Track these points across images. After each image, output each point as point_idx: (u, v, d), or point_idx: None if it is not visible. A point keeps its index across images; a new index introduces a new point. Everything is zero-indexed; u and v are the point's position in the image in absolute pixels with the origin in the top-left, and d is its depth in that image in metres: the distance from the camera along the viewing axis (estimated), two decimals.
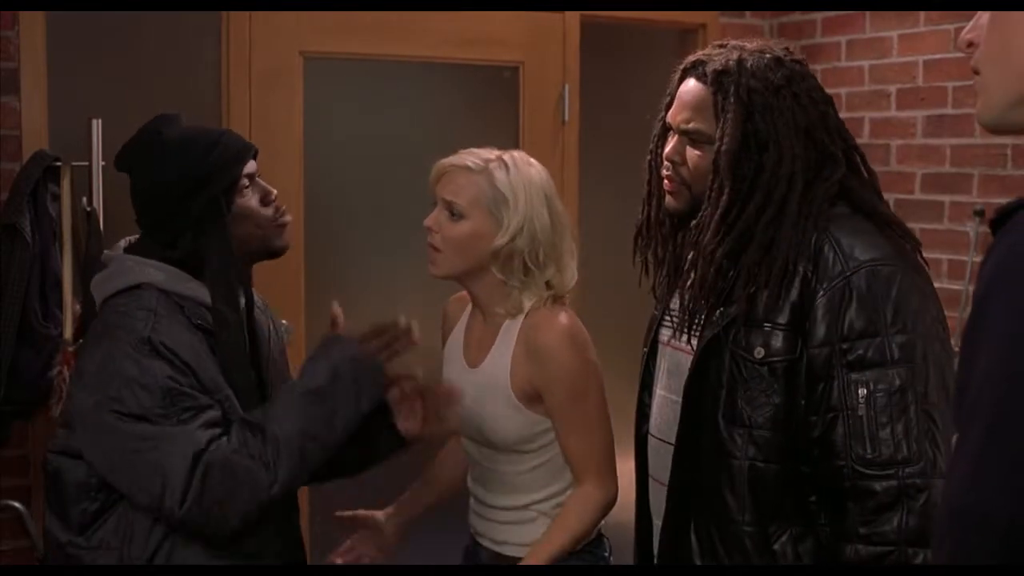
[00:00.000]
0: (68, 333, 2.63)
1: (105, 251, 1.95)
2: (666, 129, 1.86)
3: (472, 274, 2.05)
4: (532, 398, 2.01)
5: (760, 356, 1.70)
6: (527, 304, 2.02)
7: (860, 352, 1.64)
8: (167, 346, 1.76)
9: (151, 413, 1.73)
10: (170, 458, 1.71)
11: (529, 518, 2.07)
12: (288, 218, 1.95)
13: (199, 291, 1.87)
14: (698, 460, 1.77)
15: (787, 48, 1.81)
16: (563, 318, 2.02)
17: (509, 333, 2.04)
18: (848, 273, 1.66)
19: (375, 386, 1.84)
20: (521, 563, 2.01)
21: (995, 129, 1.01)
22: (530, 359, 2.00)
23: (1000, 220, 0.90)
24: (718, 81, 1.74)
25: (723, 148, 1.72)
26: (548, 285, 2.03)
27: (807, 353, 1.67)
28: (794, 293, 1.69)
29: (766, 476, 1.71)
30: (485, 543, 2.12)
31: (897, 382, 1.62)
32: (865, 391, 1.63)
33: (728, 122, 1.72)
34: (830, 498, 1.68)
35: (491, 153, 2.05)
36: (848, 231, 1.70)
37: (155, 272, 1.84)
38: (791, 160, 1.71)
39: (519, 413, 2.02)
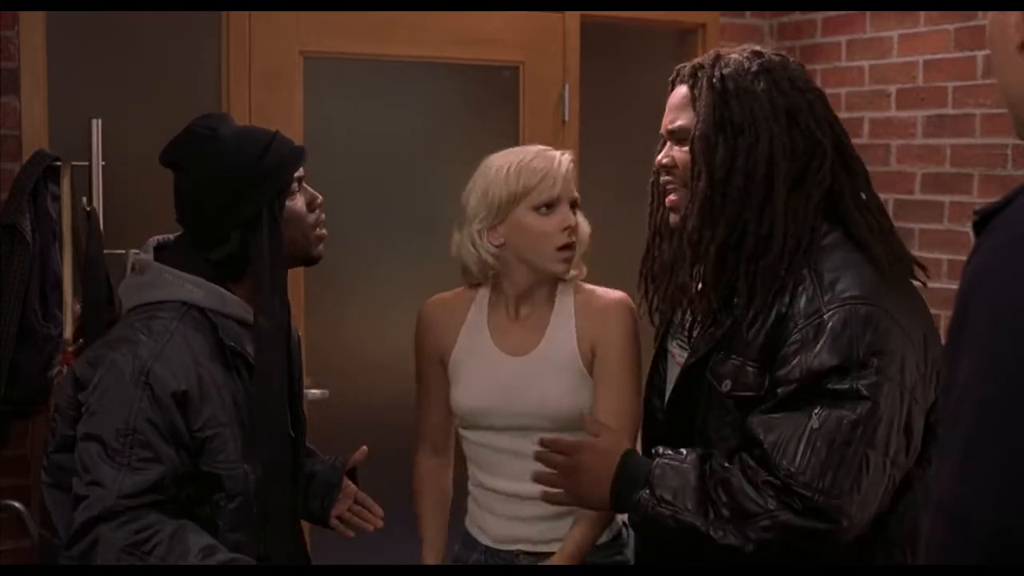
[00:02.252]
0: (68, 333, 2.63)
1: (137, 255, 1.94)
2: (664, 142, 1.87)
3: None
4: (592, 364, 2.09)
5: (726, 389, 1.71)
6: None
7: (828, 387, 1.62)
8: (161, 381, 1.75)
9: (109, 444, 1.73)
10: (85, 509, 1.72)
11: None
12: (325, 231, 1.99)
13: (238, 308, 1.87)
14: None
15: (778, 52, 1.81)
16: (622, 293, 2.15)
17: (564, 308, 2.12)
18: (823, 312, 1.63)
19: None
20: (557, 552, 2.06)
21: None
22: (594, 320, 2.10)
23: (983, 221, 0.90)
24: (693, 75, 1.77)
25: (696, 134, 1.73)
26: None
27: (776, 390, 1.65)
28: (769, 328, 1.68)
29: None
30: (521, 547, 2.13)
31: (852, 416, 1.60)
32: (819, 412, 1.61)
33: (701, 108, 1.73)
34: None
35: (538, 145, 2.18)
36: (832, 264, 1.68)
37: (194, 289, 1.84)
38: (768, 141, 1.70)
39: (588, 384, 2.08)
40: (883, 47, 3.49)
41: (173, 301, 1.83)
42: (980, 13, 3.18)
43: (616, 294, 2.14)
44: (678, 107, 1.80)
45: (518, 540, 2.13)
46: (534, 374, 2.09)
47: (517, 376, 2.09)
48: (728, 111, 1.71)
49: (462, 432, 2.19)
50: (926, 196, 3.37)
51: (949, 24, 3.27)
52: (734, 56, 1.76)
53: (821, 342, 1.62)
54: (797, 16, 3.76)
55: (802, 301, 1.65)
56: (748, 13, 3.76)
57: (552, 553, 2.08)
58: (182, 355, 1.79)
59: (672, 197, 1.83)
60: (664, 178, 1.83)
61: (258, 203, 1.83)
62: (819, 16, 3.69)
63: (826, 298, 1.64)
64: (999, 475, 0.83)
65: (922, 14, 3.36)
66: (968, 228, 3.23)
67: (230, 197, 1.82)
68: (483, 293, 2.18)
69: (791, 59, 1.80)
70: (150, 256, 1.90)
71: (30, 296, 2.63)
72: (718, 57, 1.76)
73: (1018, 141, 3.10)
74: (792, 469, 1.60)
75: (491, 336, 2.14)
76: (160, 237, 1.96)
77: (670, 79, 1.85)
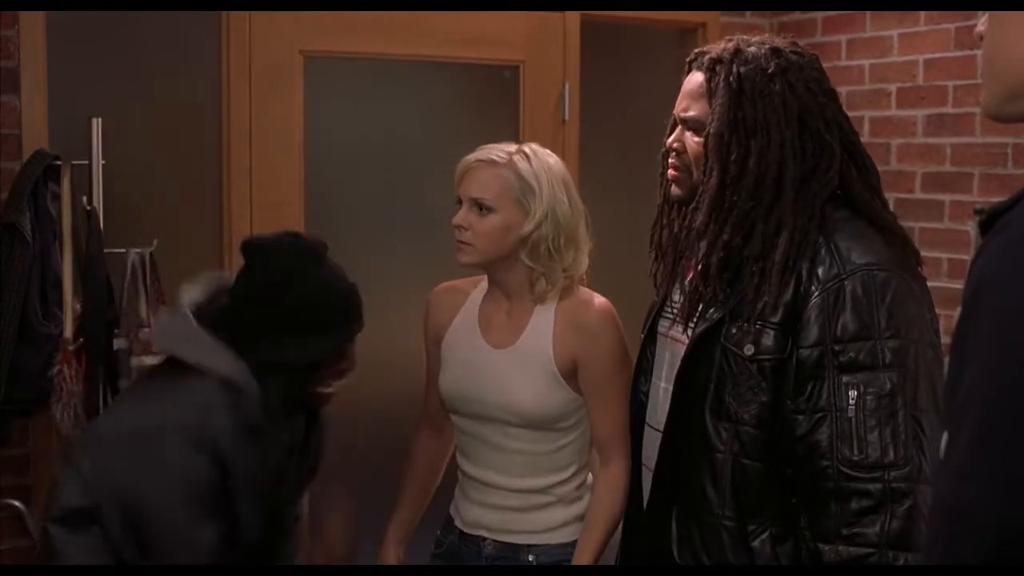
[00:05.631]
0: (68, 332, 2.63)
1: (176, 308, 1.93)
2: (675, 122, 1.88)
3: (500, 263, 2.11)
4: (572, 374, 2.09)
5: (749, 353, 1.70)
6: (551, 289, 2.10)
7: (852, 355, 1.63)
8: (210, 443, 1.78)
9: (181, 510, 1.77)
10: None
11: (543, 503, 2.12)
12: (334, 390, 2.02)
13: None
14: (683, 449, 1.79)
15: (794, 42, 1.81)
16: (602, 299, 2.13)
17: (544, 314, 2.11)
18: (843, 276, 1.66)
19: None
20: (574, 560, 2.07)
21: (996, 119, 1.02)
22: (577, 335, 2.08)
23: (990, 221, 0.90)
24: (712, 68, 1.78)
25: (711, 132, 1.75)
26: (564, 270, 2.09)
27: (797, 353, 1.67)
28: (788, 293, 1.69)
29: (749, 473, 1.71)
30: (484, 533, 2.14)
31: (888, 386, 1.62)
32: (855, 393, 1.62)
33: (717, 107, 1.74)
34: (812, 499, 1.67)
35: (511, 146, 2.11)
36: (847, 235, 1.70)
37: (226, 365, 1.84)
38: (780, 145, 1.72)
39: (561, 389, 2.08)
40: (883, 46, 3.49)
41: (213, 372, 1.83)
42: (980, 13, 3.18)
43: (597, 307, 2.11)
44: (692, 95, 1.81)
45: (480, 526, 2.16)
46: (506, 369, 2.11)
47: (492, 368, 2.11)
48: (742, 112, 1.73)
49: (451, 415, 2.22)
50: (926, 195, 3.37)
51: (949, 23, 3.27)
52: (752, 51, 1.76)
53: (841, 307, 1.64)
54: (797, 15, 3.76)
55: (820, 269, 1.67)
56: (748, 12, 3.77)
57: (514, 544, 2.12)
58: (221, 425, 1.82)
59: (673, 172, 1.85)
60: (671, 161, 1.86)
61: (304, 358, 1.88)
62: (819, 15, 3.70)
63: (844, 265, 1.66)
64: (1004, 476, 0.82)
65: (922, 13, 3.36)
66: (968, 227, 3.23)
67: (287, 336, 1.87)
68: (484, 284, 2.20)
69: (807, 55, 1.80)
70: (186, 312, 1.89)
71: (30, 295, 2.63)
72: (737, 51, 1.76)
73: (1018, 140, 3.10)
74: (855, 459, 1.60)
75: (479, 326, 2.16)
76: (198, 298, 1.93)
77: (687, 60, 1.86)
